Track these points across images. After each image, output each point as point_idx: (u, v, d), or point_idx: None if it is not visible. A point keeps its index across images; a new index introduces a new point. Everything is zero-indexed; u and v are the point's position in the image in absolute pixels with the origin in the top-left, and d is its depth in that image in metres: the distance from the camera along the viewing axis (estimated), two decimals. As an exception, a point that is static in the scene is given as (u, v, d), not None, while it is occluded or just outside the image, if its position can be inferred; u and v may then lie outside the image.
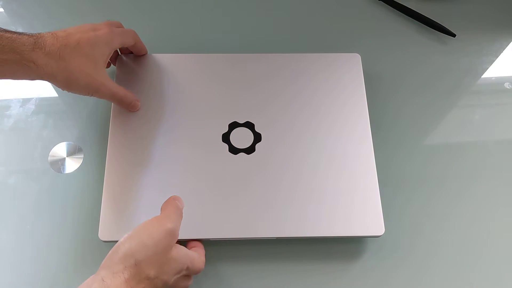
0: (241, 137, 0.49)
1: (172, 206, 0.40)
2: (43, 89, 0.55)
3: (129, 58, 0.53)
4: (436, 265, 0.47)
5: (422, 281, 0.47)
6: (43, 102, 0.54)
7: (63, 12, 0.60)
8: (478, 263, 0.48)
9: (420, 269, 0.47)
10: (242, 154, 0.48)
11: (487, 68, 0.59)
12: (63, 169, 0.50)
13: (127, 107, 0.49)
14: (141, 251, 0.36)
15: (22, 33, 0.41)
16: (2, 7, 0.60)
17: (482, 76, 0.59)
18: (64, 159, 0.51)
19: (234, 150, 0.48)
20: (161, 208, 0.41)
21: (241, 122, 0.50)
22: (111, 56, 0.49)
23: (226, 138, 0.49)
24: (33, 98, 0.54)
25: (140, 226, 0.38)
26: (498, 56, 0.60)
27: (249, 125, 0.49)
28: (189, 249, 0.41)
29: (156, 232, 0.37)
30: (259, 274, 0.46)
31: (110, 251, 0.37)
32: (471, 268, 0.47)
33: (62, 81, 0.43)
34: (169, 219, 0.38)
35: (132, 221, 0.45)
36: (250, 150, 0.48)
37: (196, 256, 0.41)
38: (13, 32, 0.40)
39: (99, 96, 0.46)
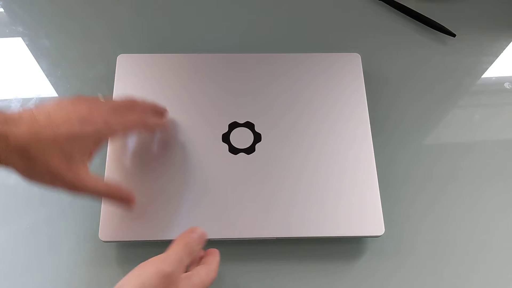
0: (241, 137, 0.49)
1: (180, 243, 0.36)
2: (43, 89, 0.55)
3: (129, 58, 0.53)
4: (436, 266, 0.47)
5: (422, 281, 0.47)
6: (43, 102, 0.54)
7: (63, 13, 0.60)
8: (479, 263, 0.48)
9: (420, 269, 0.47)
10: (242, 154, 0.48)
11: (487, 68, 0.59)
12: (63, 169, 0.50)
13: (118, 203, 0.41)
14: None
15: None
16: (2, 7, 0.60)
17: (482, 76, 0.59)
18: (64, 159, 0.51)
19: (234, 150, 0.48)
20: (173, 241, 0.37)
21: (241, 122, 0.50)
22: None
23: (226, 138, 0.49)
24: (33, 98, 0.54)
25: (134, 272, 0.34)
26: (498, 56, 0.60)
27: (249, 125, 0.49)
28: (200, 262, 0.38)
29: (148, 280, 0.33)
30: (258, 274, 0.46)
31: None
32: (472, 269, 0.47)
33: (22, 176, 0.36)
34: (168, 261, 0.34)
35: (132, 221, 0.44)
36: (250, 150, 0.48)
37: (204, 275, 0.37)
38: None
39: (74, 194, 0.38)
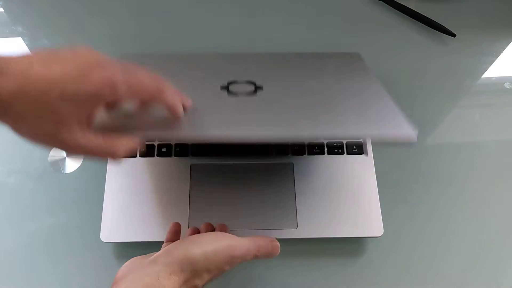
0: None
1: (256, 241, 0.38)
2: (43, 89, 0.55)
3: (129, 58, 0.53)
4: (437, 265, 0.47)
5: (422, 281, 0.47)
6: (43, 102, 0.54)
7: (63, 13, 0.60)
8: (478, 263, 0.48)
9: (419, 269, 0.47)
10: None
11: (487, 68, 0.59)
12: (63, 169, 0.50)
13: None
14: (201, 263, 0.35)
15: None
16: (2, 7, 0.60)
17: (482, 76, 0.59)
18: (64, 159, 0.51)
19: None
20: (255, 236, 0.39)
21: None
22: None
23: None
24: (33, 98, 0.54)
25: (211, 237, 0.37)
26: (498, 56, 0.60)
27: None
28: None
29: (222, 253, 0.36)
30: (257, 273, 0.46)
31: (170, 245, 0.36)
32: (471, 269, 0.47)
33: (14, 132, 0.30)
34: (241, 248, 0.37)
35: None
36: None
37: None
38: None
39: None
